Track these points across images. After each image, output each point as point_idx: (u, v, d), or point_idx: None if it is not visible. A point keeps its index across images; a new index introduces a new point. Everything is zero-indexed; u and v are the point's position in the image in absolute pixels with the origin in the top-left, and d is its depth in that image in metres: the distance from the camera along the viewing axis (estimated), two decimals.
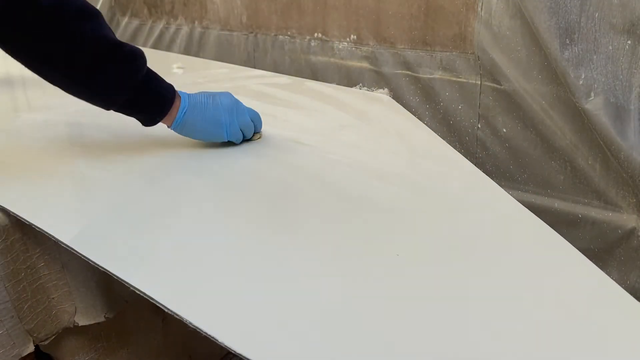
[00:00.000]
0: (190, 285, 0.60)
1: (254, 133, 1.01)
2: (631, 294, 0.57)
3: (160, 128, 0.90)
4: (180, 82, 1.44)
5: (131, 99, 0.83)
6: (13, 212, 0.74)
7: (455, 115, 1.26)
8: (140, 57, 0.83)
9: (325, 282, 0.60)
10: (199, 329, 0.52)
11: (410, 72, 1.33)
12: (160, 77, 0.88)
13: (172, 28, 2.00)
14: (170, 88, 0.89)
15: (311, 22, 1.53)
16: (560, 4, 1.00)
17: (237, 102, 0.95)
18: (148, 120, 0.89)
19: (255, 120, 0.99)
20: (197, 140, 0.97)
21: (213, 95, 0.93)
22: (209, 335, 0.51)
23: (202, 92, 0.94)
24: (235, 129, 0.94)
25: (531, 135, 1.13)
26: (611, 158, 1.00)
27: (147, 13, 2.10)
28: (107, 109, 0.85)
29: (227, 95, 0.95)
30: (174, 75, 1.53)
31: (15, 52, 0.77)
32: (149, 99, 0.86)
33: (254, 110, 1.00)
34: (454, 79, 1.24)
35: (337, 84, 1.48)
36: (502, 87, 1.15)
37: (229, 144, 0.97)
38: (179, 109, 0.89)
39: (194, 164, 0.91)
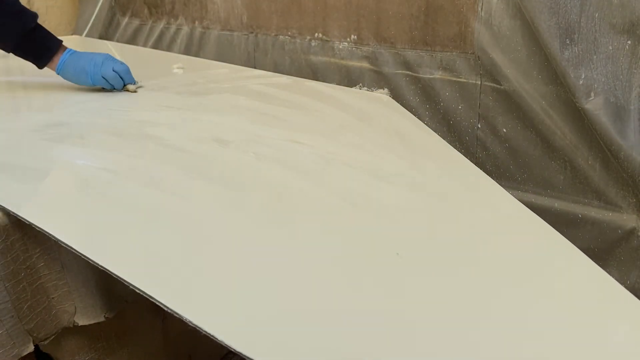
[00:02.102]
0: (190, 285, 0.60)
1: (127, 84, 1.27)
2: (631, 293, 0.57)
3: (165, 130, 0.90)
4: (181, 82, 1.44)
5: (19, 45, 1.15)
6: (13, 212, 0.74)
7: (455, 115, 1.26)
8: (28, 16, 1.15)
9: (325, 281, 0.60)
10: (199, 327, 0.52)
11: (410, 72, 1.33)
12: (49, 33, 1.20)
13: (173, 28, 2.00)
14: (56, 42, 1.21)
15: (311, 22, 1.53)
16: (560, 4, 1.00)
17: (107, 58, 1.23)
18: (38, 63, 1.21)
19: (121, 73, 1.25)
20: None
21: (93, 53, 1.23)
22: (209, 333, 0.51)
23: (91, 52, 1.23)
24: (98, 77, 1.23)
25: (531, 135, 1.13)
26: (611, 158, 1.00)
27: (147, 13, 2.10)
28: (6, 51, 1.17)
29: (103, 54, 1.24)
30: (174, 76, 1.53)
31: None
32: (35, 47, 1.18)
33: (123, 65, 1.25)
34: (454, 79, 1.24)
35: (337, 84, 1.48)
36: (502, 87, 1.15)
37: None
38: (60, 58, 1.21)
39: (199, 165, 0.91)
